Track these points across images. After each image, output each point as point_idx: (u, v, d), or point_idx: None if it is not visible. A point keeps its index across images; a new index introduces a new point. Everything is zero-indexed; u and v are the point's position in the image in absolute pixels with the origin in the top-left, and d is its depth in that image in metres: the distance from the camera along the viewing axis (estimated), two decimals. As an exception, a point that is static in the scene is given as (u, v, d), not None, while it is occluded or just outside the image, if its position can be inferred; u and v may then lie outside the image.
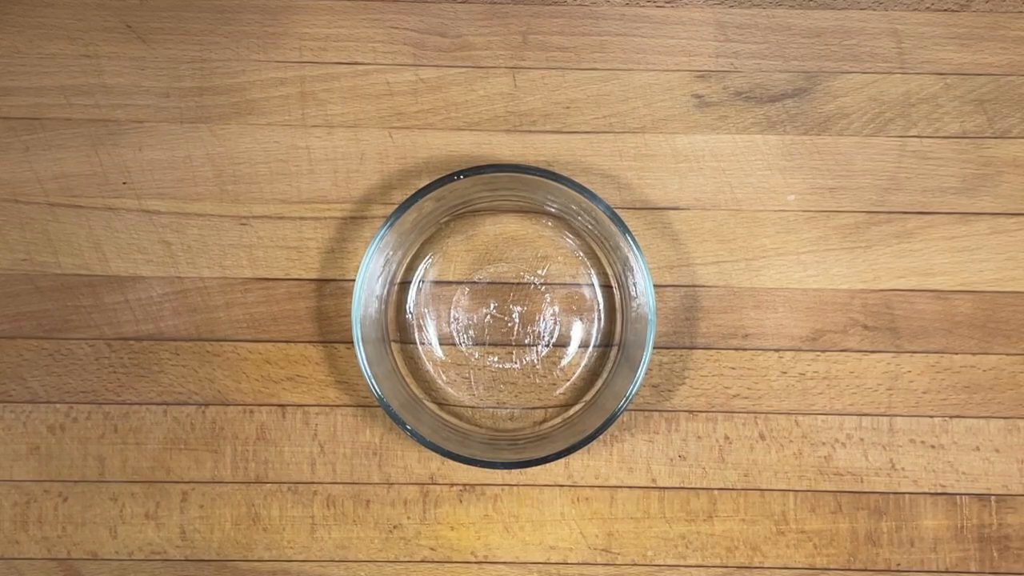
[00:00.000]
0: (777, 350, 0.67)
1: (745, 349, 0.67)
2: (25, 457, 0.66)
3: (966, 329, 0.67)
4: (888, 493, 0.66)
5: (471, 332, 0.66)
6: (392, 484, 0.66)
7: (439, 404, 0.66)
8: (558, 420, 0.66)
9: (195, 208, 0.67)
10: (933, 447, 0.66)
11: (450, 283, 0.67)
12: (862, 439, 0.67)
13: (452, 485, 0.66)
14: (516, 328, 0.66)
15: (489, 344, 0.66)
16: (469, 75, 0.68)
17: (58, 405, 0.66)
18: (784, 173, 0.69)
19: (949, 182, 0.69)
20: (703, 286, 0.68)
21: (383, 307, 0.65)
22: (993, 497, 0.66)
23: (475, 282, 0.67)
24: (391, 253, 0.64)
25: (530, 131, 0.67)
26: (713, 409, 0.67)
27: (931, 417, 0.67)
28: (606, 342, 0.67)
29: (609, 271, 0.66)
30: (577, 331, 0.67)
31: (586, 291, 0.67)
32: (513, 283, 0.67)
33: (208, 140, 0.68)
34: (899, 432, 0.67)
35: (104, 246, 0.67)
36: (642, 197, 0.68)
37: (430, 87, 0.68)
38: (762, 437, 0.66)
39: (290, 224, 0.67)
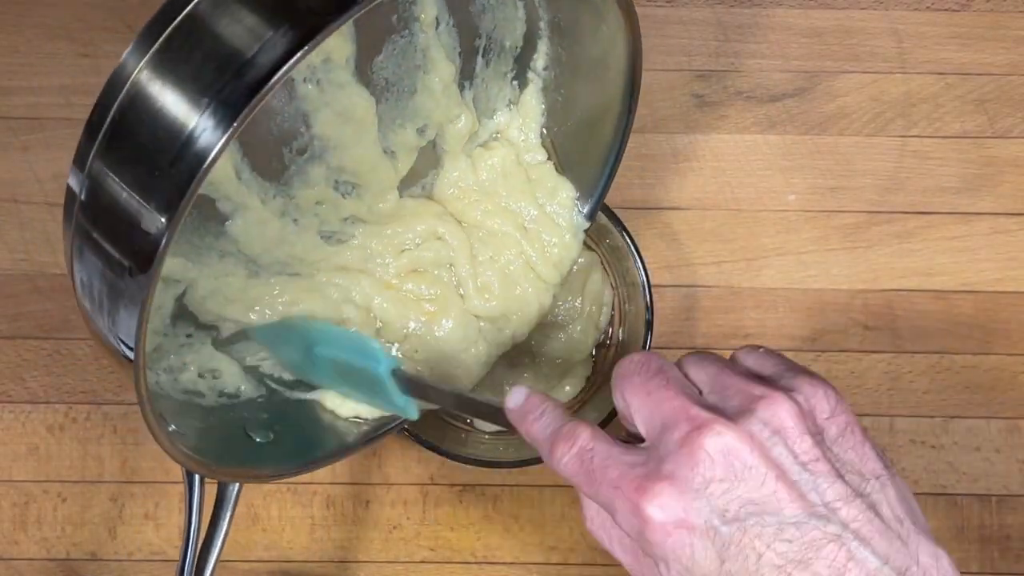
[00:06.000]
0: (777, 350, 0.67)
1: (745, 349, 0.67)
2: (24, 457, 0.66)
3: (967, 329, 0.67)
4: (889, 494, 0.66)
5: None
6: (392, 484, 0.66)
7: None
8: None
9: (195, 208, 0.67)
10: (933, 447, 0.66)
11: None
12: (863, 439, 0.66)
13: (452, 485, 0.66)
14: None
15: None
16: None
17: (57, 405, 0.66)
18: (784, 173, 0.69)
19: (950, 182, 0.69)
20: (703, 286, 0.68)
21: None
22: (994, 498, 0.66)
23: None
24: None
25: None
26: (713, 409, 0.67)
27: (931, 417, 0.66)
28: (604, 342, 0.66)
29: (607, 270, 0.66)
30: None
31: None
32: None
33: (208, 140, 0.68)
34: (899, 432, 0.66)
35: (103, 246, 0.67)
36: (642, 197, 0.68)
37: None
38: (762, 437, 0.66)
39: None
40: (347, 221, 0.56)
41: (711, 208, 0.68)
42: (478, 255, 0.58)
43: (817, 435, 0.42)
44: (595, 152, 0.58)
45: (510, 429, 0.48)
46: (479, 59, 0.56)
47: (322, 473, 0.66)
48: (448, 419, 0.65)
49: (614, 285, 0.66)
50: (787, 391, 0.42)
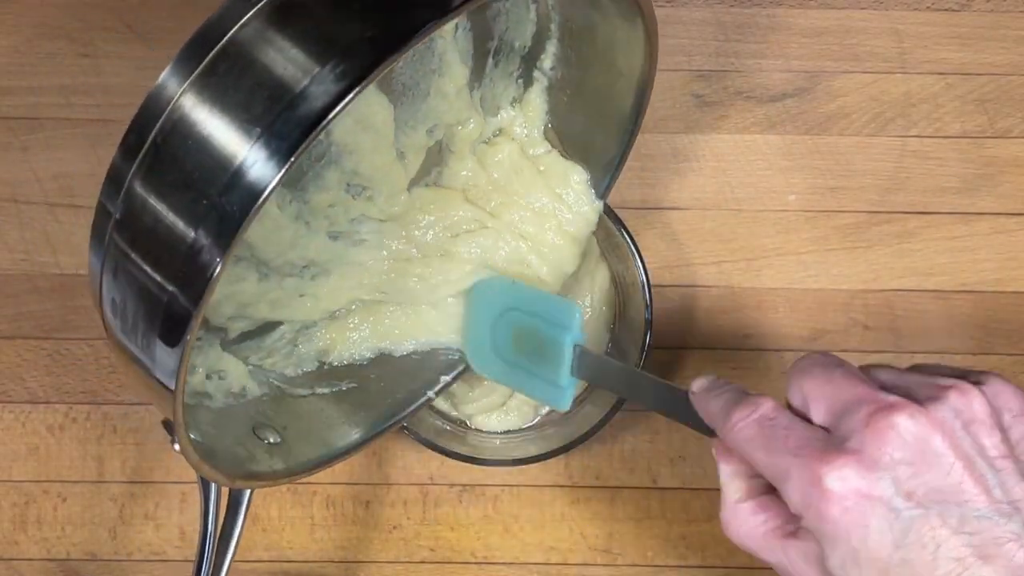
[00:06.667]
0: (778, 350, 0.67)
1: (745, 349, 0.67)
2: (24, 457, 0.66)
3: (967, 329, 0.67)
4: (889, 494, 0.66)
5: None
6: (391, 484, 0.66)
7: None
8: (556, 417, 0.65)
9: (194, 208, 0.67)
10: (934, 447, 0.66)
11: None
12: (863, 439, 0.66)
13: (452, 485, 0.66)
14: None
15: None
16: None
17: (57, 405, 0.66)
18: (784, 173, 0.69)
19: (950, 182, 0.69)
20: (703, 286, 0.68)
21: None
22: (994, 498, 0.66)
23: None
24: None
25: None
26: (713, 409, 0.67)
27: (932, 417, 0.66)
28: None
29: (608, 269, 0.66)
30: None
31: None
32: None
33: (208, 140, 0.68)
34: (900, 432, 0.66)
35: (103, 246, 0.67)
36: (642, 197, 0.68)
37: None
38: (762, 437, 0.66)
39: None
40: (354, 221, 0.56)
41: (711, 208, 0.68)
42: (544, 275, 0.59)
43: (1004, 432, 0.41)
44: (602, 140, 0.58)
45: (680, 416, 0.48)
46: (489, 60, 0.56)
47: (322, 473, 0.65)
48: (448, 419, 0.65)
49: (614, 284, 0.66)
50: (977, 384, 0.41)
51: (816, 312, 0.67)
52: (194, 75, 0.39)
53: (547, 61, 0.57)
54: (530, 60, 0.57)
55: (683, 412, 0.48)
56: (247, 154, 0.38)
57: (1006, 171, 0.69)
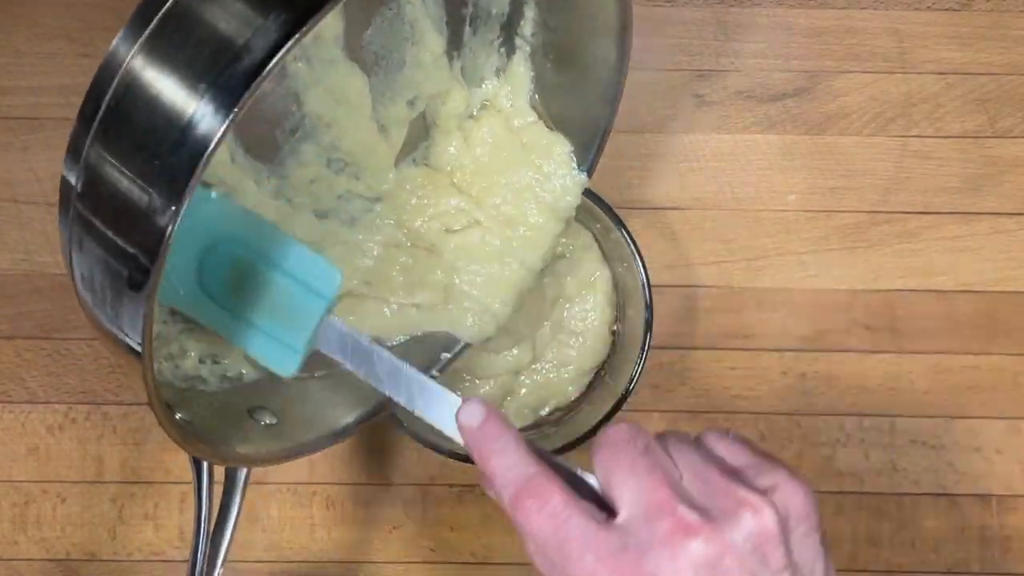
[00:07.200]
0: (778, 350, 0.67)
1: (746, 349, 0.67)
2: (24, 458, 0.66)
3: (968, 329, 0.67)
4: (889, 494, 0.66)
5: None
6: (392, 484, 0.66)
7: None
8: (556, 418, 0.65)
9: (194, 208, 0.67)
10: (934, 448, 0.66)
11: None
12: (863, 440, 0.66)
13: (452, 486, 0.66)
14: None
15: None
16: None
17: (57, 405, 0.66)
18: (785, 173, 0.69)
19: (951, 182, 0.69)
20: (703, 286, 0.68)
21: None
22: (994, 498, 0.66)
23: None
24: None
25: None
26: (713, 410, 0.67)
27: (932, 418, 0.66)
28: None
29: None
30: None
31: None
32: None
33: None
34: (900, 432, 0.66)
35: (103, 246, 0.67)
36: (642, 197, 0.68)
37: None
38: (763, 438, 0.66)
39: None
40: (342, 199, 0.55)
41: (711, 208, 0.68)
42: (529, 264, 0.59)
43: (787, 542, 0.42)
44: (589, 106, 0.57)
45: (439, 424, 0.47)
46: (467, 28, 0.55)
47: (322, 473, 0.66)
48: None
49: (615, 284, 0.66)
50: (768, 495, 0.42)
51: (816, 312, 0.67)
52: (143, 37, 0.40)
53: (527, 27, 0.56)
54: (510, 27, 0.56)
55: (446, 423, 0.47)
56: (195, 109, 0.38)
57: (1007, 171, 0.69)
